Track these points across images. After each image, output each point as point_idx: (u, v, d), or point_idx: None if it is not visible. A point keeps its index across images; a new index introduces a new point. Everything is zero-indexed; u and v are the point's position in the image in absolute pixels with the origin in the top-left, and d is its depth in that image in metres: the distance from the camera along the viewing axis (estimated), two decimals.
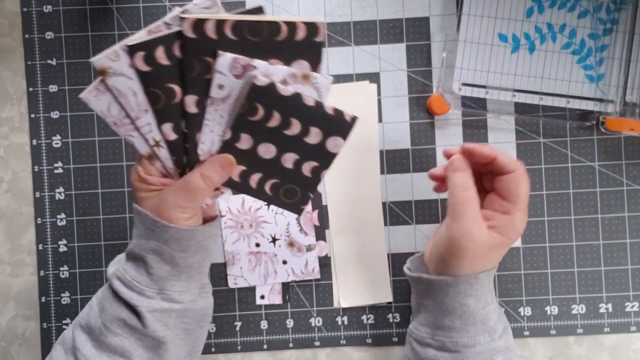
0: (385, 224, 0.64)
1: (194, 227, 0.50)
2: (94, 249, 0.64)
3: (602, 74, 0.62)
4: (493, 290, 0.54)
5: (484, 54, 0.62)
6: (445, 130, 0.64)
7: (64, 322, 0.64)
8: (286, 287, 0.64)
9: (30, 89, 0.64)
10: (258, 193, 0.51)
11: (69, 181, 0.64)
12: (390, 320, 0.64)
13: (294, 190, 0.51)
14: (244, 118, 0.48)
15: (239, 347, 0.64)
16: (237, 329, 0.64)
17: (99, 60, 0.46)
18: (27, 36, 0.64)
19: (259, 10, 0.48)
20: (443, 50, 0.63)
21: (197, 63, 0.47)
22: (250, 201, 0.63)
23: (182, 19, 0.46)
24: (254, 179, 0.51)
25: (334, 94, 0.63)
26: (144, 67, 0.47)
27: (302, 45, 0.47)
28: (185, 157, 0.50)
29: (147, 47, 0.46)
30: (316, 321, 0.64)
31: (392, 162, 0.64)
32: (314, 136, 0.49)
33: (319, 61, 0.48)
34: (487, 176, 0.54)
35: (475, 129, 0.64)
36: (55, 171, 0.64)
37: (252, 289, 0.64)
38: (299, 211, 0.52)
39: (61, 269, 0.64)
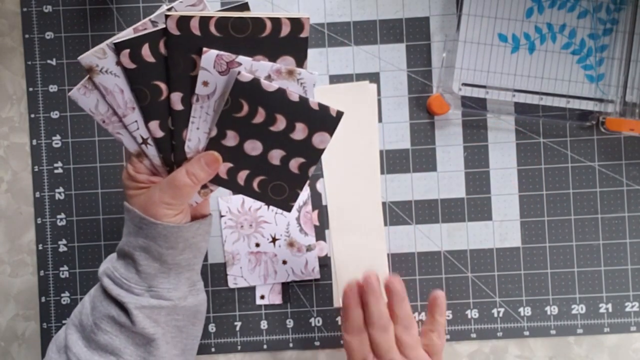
0: (385, 224, 0.64)
1: (181, 224, 0.50)
2: (94, 249, 0.64)
3: (602, 74, 0.62)
4: None
5: (483, 54, 0.62)
6: (445, 130, 0.64)
7: (63, 322, 0.64)
8: (286, 287, 0.64)
9: (30, 89, 0.64)
10: (246, 190, 0.51)
11: (68, 181, 0.64)
12: None
13: (282, 187, 0.51)
14: (229, 115, 0.48)
15: (239, 347, 0.64)
16: (237, 329, 0.64)
17: (86, 57, 0.47)
18: (27, 36, 0.64)
19: (244, 6, 0.48)
20: (443, 50, 0.63)
21: (182, 60, 0.47)
22: (250, 201, 0.63)
23: (167, 16, 0.46)
24: (242, 176, 0.51)
25: (334, 95, 0.63)
26: (130, 65, 0.47)
27: (286, 41, 0.48)
28: (172, 154, 0.50)
29: (133, 44, 0.47)
30: (316, 321, 0.64)
31: (392, 162, 0.64)
32: (300, 132, 0.49)
33: (304, 57, 0.48)
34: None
35: (475, 129, 0.64)
36: (55, 171, 0.64)
37: (252, 289, 0.64)
38: (288, 208, 0.52)
39: (61, 269, 0.64)
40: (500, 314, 0.64)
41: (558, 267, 0.63)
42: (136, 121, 0.49)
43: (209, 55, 0.47)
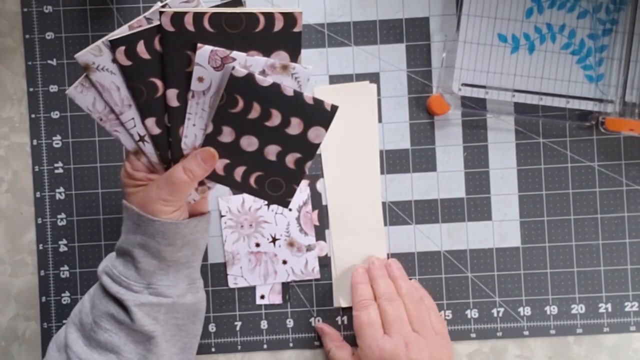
0: (385, 224, 0.64)
1: (179, 221, 0.50)
2: (94, 249, 0.64)
3: (602, 74, 0.62)
4: None
5: (483, 54, 0.62)
6: (445, 131, 0.64)
7: (64, 322, 0.64)
8: (286, 287, 0.64)
9: (31, 89, 0.64)
10: (243, 186, 0.51)
11: (69, 181, 0.64)
12: None
13: (279, 183, 0.51)
14: (224, 110, 0.48)
15: (239, 347, 0.64)
16: (237, 328, 0.64)
17: (82, 55, 0.47)
18: (27, 36, 0.64)
19: (237, 2, 0.48)
20: (443, 50, 0.63)
21: (177, 56, 0.48)
22: (250, 201, 0.63)
23: (161, 12, 0.46)
24: (238, 172, 0.51)
25: (334, 95, 0.63)
26: (126, 62, 0.47)
27: (280, 36, 0.48)
28: (169, 151, 0.50)
29: (128, 41, 0.47)
30: (316, 321, 0.64)
31: (392, 162, 0.64)
32: (295, 127, 0.49)
33: (298, 51, 0.48)
34: None
35: (475, 129, 0.64)
36: (56, 171, 0.64)
37: (252, 289, 0.64)
38: (285, 204, 0.52)
39: (61, 268, 0.64)
40: (500, 314, 0.64)
41: (558, 267, 0.63)
42: (133, 118, 0.49)
43: (203, 51, 0.47)
